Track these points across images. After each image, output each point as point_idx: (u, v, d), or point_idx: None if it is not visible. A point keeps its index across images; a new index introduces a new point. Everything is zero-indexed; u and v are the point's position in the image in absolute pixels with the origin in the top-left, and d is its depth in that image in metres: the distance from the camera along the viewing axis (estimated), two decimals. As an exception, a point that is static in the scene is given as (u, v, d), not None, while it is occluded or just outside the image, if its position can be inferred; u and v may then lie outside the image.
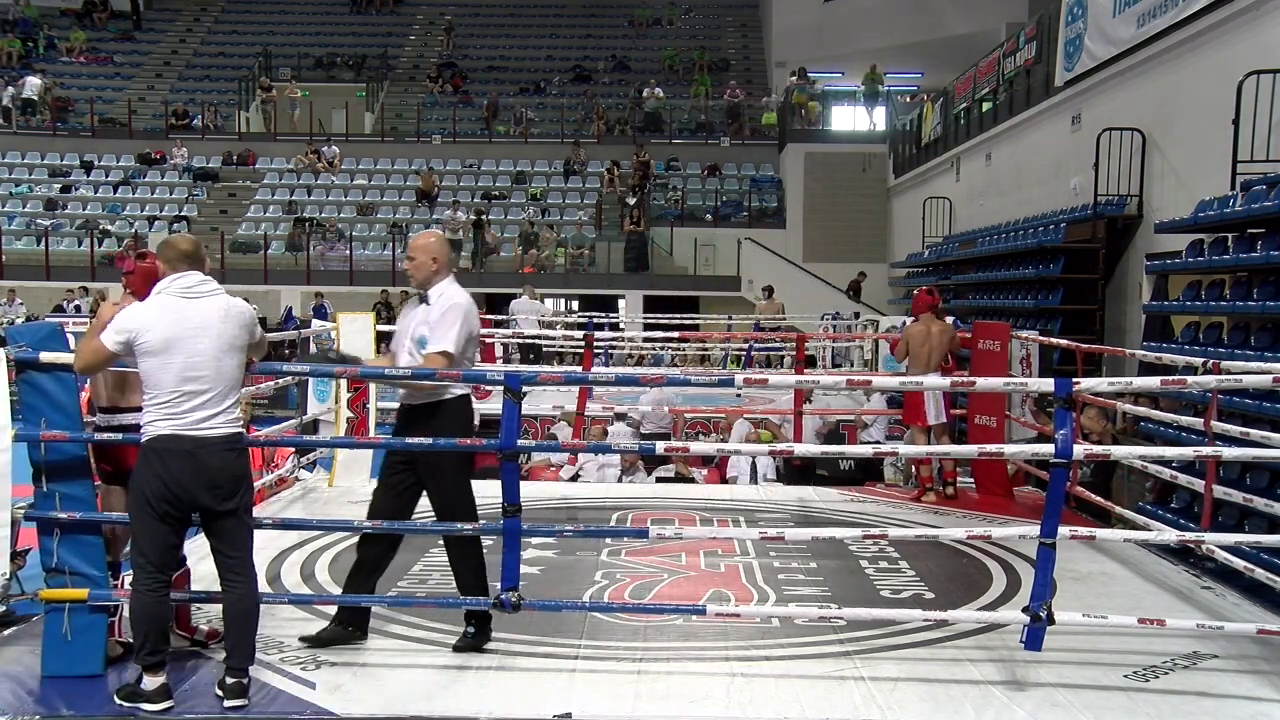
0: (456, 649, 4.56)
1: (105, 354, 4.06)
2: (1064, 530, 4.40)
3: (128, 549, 4.24)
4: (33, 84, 27.16)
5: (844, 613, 4.79)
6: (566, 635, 4.73)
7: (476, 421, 10.97)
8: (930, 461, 7.95)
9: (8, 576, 4.36)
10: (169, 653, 4.10)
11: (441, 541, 4.78)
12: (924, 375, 7.67)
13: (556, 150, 27.03)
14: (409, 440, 4.65)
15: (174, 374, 3.94)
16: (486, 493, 7.44)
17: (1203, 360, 6.09)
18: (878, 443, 10.49)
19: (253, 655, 4.10)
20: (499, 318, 16.20)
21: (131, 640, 4.12)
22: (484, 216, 24.20)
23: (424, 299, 4.66)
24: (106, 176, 26.53)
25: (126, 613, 4.28)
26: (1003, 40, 18.11)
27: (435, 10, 32.49)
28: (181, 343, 3.95)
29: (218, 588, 4.19)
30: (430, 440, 4.60)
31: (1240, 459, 6.89)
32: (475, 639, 4.58)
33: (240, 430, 4.13)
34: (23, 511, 4.37)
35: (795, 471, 9.94)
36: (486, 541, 6.14)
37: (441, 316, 4.58)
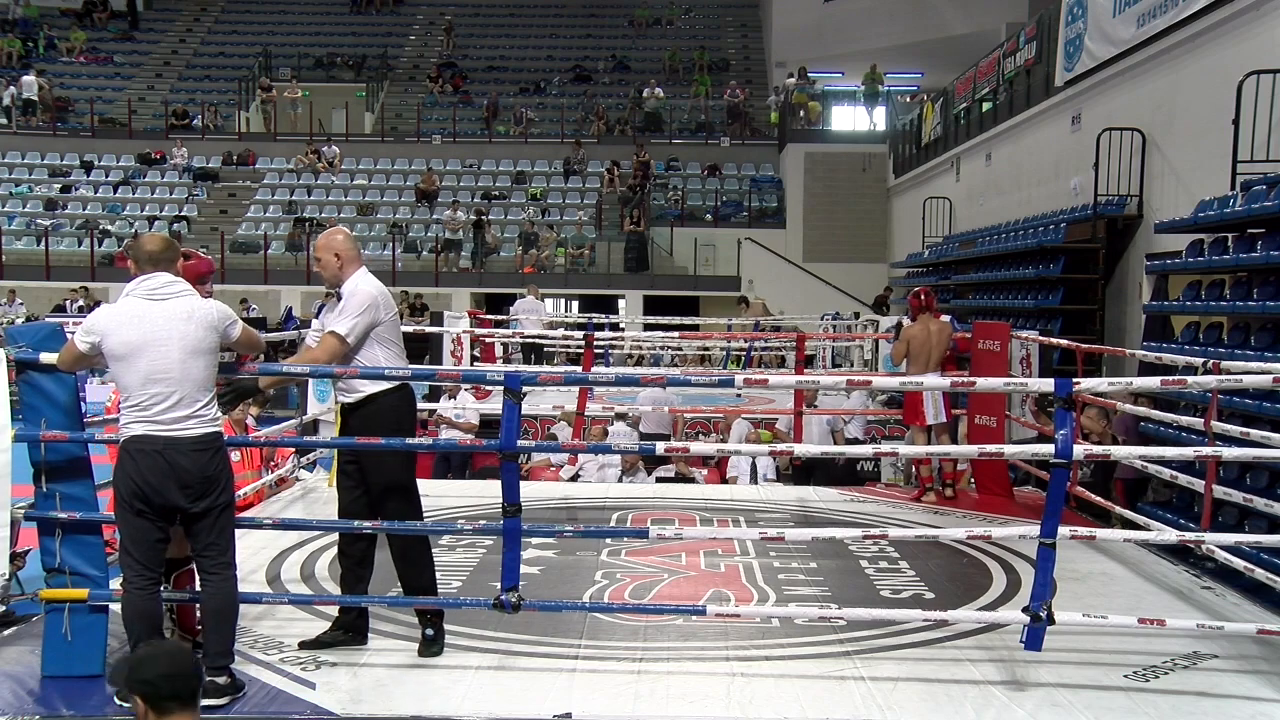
0: (420, 654, 4.52)
1: (76, 354, 4.11)
2: (1064, 530, 4.40)
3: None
4: (29, 83, 27.15)
5: (844, 613, 4.79)
6: (566, 635, 4.73)
7: (475, 422, 10.93)
8: (930, 461, 7.95)
9: (7, 577, 4.36)
10: None
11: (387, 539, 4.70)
12: (924, 375, 7.66)
13: (556, 150, 27.03)
14: (410, 441, 4.64)
15: (139, 376, 3.95)
16: (487, 493, 7.46)
17: (1203, 360, 6.09)
18: (857, 440, 10.47)
19: (229, 654, 4.08)
20: (499, 317, 16.18)
21: (199, 635, 4.20)
22: (484, 216, 24.21)
23: (339, 296, 4.61)
24: (106, 176, 26.54)
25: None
26: (1003, 40, 18.10)
27: (435, 10, 32.49)
28: (145, 345, 3.95)
29: None
30: (429, 441, 4.60)
31: (1240, 459, 6.89)
32: (434, 642, 4.55)
33: (216, 430, 4.11)
34: (23, 511, 4.37)
35: (800, 472, 9.92)
36: (486, 541, 6.16)
37: (344, 304, 4.54)
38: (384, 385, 4.55)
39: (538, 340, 14.74)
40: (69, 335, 4.46)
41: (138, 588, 3.99)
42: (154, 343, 3.95)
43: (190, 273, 4.43)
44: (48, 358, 4.24)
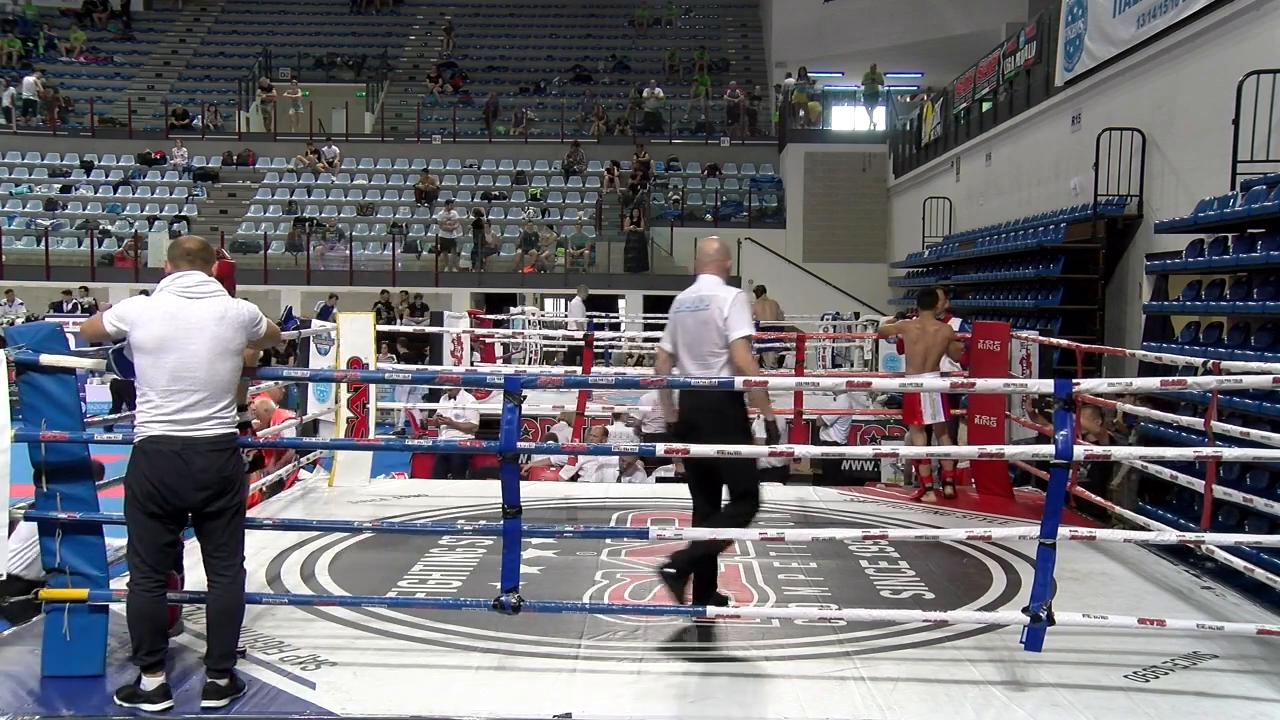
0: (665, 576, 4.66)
1: (102, 332, 4.12)
2: (1064, 530, 4.40)
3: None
4: (29, 84, 27.14)
5: (844, 613, 4.78)
6: (566, 635, 4.73)
7: (475, 422, 10.86)
8: (930, 461, 7.95)
9: (4, 577, 4.36)
10: (167, 652, 4.11)
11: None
12: (920, 375, 7.66)
13: (556, 150, 27.03)
14: (409, 441, 4.65)
15: (166, 373, 3.95)
16: (487, 493, 7.47)
17: (1203, 360, 6.09)
18: (837, 443, 10.46)
19: (230, 656, 4.07)
20: (498, 317, 16.18)
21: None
22: (484, 217, 24.20)
23: None
24: (106, 176, 26.54)
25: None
26: (1003, 40, 18.10)
27: (435, 10, 32.50)
28: (175, 342, 3.95)
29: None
30: (429, 442, 4.61)
31: (1240, 459, 6.89)
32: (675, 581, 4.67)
33: (232, 431, 4.11)
34: (22, 511, 4.37)
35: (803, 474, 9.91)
36: (486, 541, 6.16)
37: None
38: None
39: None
40: (69, 335, 4.46)
41: (144, 589, 3.99)
42: (184, 340, 3.96)
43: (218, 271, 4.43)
44: (48, 359, 4.23)
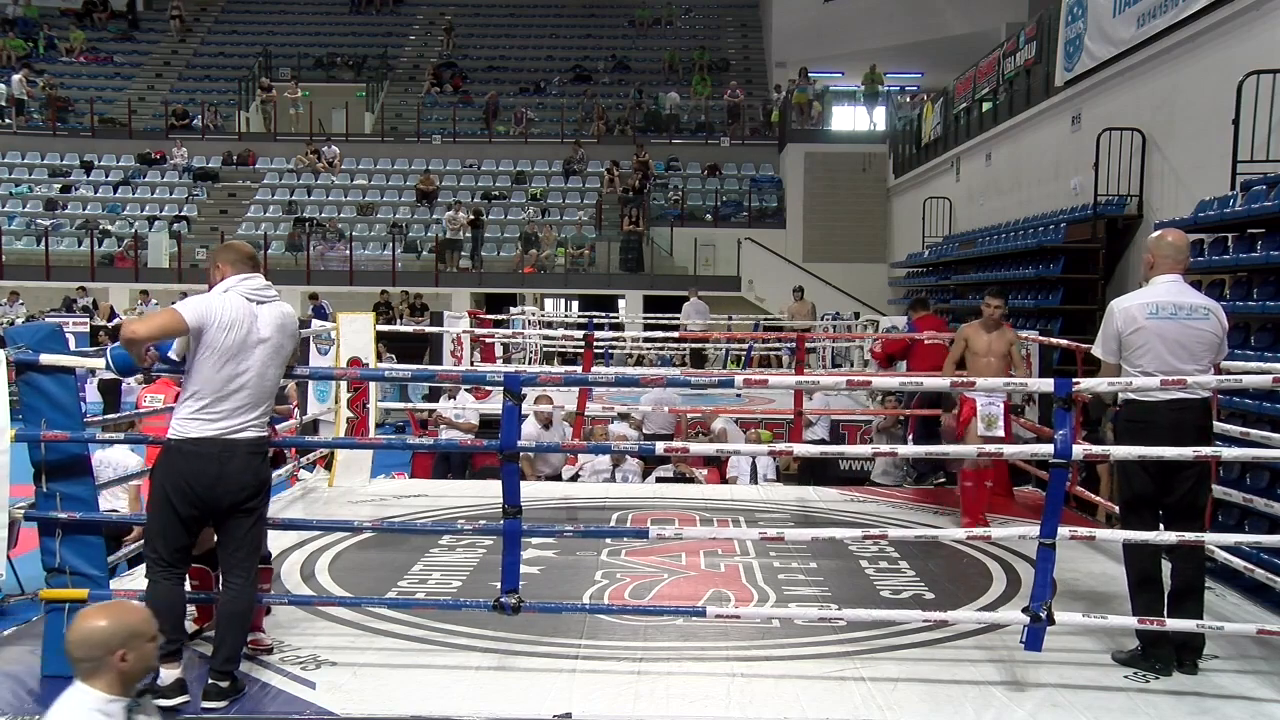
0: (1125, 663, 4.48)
1: (181, 326, 3.93)
2: (1064, 530, 4.40)
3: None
4: (15, 81, 27.04)
5: (844, 613, 4.78)
6: (566, 635, 4.72)
7: (475, 422, 10.86)
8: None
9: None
10: (184, 643, 4.10)
11: None
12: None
13: (556, 150, 27.04)
14: (410, 440, 4.64)
15: (225, 376, 3.93)
16: (487, 493, 7.47)
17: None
18: (824, 441, 10.42)
19: (237, 660, 4.05)
20: (498, 317, 16.17)
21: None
22: (480, 216, 24.20)
23: None
24: (106, 176, 26.55)
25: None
26: (1003, 40, 18.09)
27: (435, 10, 32.51)
28: (242, 346, 3.95)
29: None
30: (430, 441, 4.60)
31: (1240, 459, 6.88)
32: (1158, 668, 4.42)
33: (265, 435, 4.11)
34: (22, 511, 4.37)
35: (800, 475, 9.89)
36: (486, 540, 6.16)
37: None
38: (1133, 396, 4.51)
39: (700, 345, 15.52)
40: (68, 335, 4.45)
41: (164, 577, 3.98)
42: (250, 344, 3.96)
43: None
44: (47, 359, 4.22)
